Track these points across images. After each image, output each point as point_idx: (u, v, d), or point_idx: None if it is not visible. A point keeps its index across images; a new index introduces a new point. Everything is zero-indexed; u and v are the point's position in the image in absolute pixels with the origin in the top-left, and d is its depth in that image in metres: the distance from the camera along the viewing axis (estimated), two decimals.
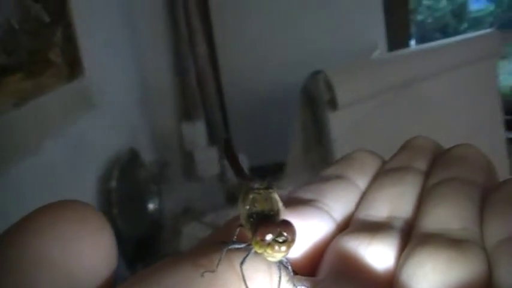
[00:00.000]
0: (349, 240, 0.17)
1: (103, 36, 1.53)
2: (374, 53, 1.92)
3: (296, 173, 1.30)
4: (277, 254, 0.15)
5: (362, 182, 0.21)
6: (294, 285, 0.16)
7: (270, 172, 0.94)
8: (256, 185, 0.17)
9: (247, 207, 0.16)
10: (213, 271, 0.14)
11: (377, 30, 2.00)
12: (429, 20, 2.96)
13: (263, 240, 0.15)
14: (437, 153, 0.22)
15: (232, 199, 1.75)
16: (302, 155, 1.31)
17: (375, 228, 0.18)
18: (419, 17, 2.97)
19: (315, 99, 1.27)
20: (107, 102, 1.43)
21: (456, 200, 0.18)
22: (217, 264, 0.15)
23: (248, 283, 0.15)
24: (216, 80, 1.98)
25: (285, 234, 0.15)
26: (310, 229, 0.18)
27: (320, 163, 1.27)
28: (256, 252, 0.15)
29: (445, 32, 2.95)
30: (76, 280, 0.13)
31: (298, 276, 0.16)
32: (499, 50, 1.72)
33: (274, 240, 0.15)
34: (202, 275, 0.14)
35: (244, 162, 1.73)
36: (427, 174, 0.20)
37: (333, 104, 1.23)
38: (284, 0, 1.96)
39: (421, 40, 2.87)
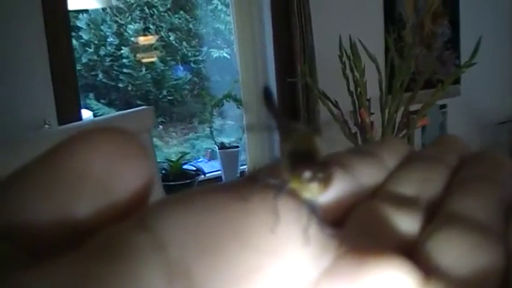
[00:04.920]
0: (375, 205, 0.18)
1: None
2: (42, 128, 1.92)
3: None
4: (314, 190, 0.15)
5: (391, 163, 0.21)
6: (322, 228, 0.15)
7: None
8: (299, 126, 0.17)
9: (288, 144, 0.16)
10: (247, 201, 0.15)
11: (46, 105, 2.00)
12: (130, 88, 3.09)
13: (302, 174, 0.15)
14: (468, 153, 0.22)
15: None
16: None
17: (401, 200, 0.18)
18: (121, 85, 3.08)
19: None
20: None
21: (485, 196, 0.18)
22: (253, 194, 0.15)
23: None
24: None
25: (324, 172, 0.15)
26: (336, 186, 0.17)
27: None
28: (291, 189, 0.15)
29: (146, 99, 3.11)
30: (116, 197, 0.13)
31: (325, 223, 0.16)
32: (152, 125, 1.87)
33: (313, 177, 0.15)
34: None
35: None
36: (456, 170, 0.20)
37: None
38: None
39: (124, 107, 2.97)
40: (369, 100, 1.88)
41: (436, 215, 0.18)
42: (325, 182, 0.15)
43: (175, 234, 0.13)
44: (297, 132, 0.17)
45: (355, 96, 1.85)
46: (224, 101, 2.05)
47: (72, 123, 1.89)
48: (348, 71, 1.82)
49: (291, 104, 2.09)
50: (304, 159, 0.16)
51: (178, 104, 3.17)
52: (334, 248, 0.15)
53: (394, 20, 2.46)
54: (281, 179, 0.16)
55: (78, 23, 3.01)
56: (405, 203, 0.18)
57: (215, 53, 3.13)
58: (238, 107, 2.08)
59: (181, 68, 3.15)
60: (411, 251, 0.16)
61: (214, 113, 2.08)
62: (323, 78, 2.10)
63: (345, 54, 1.82)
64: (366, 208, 0.18)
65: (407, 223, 0.17)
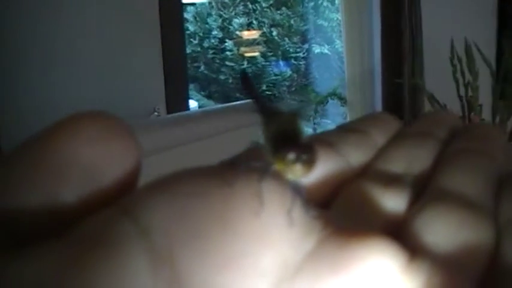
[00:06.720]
0: (363, 184, 0.18)
1: None
2: (151, 116, 2.00)
3: None
4: (298, 172, 0.15)
5: (381, 139, 0.20)
6: (306, 210, 0.15)
7: None
8: (282, 109, 0.17)
9: (272, 127, 0.16)
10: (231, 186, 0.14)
11: (157, 94, 2.08)
12: (230, 81, 3.15)
13: (285, 156, 0.15)
14: (459, 127, 0.22)
15: None
16: None
17: (389, 178, 0.18)
18: (222, 77, 3.16)
19: None
20: None
21: (474, 170, 0.18)
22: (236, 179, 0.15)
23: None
24: None
25: (308, 153, 0.15)
26: (323, 166, 0.18)
27: None
28: (275, 171, 0.15)
29: None
30: (103, 182, 0.13)
31: (309, 204, 0.16)
32: (255, 119, 1.90)
33: (297, 158, 0.15)
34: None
35: None
36: (446, 144, 0.20)
37: None
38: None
39: (224, 99, 3.04)
40: (480, 106, 1.81)
41: (424, 191, 0.17)
42: (309, 163, 0.15)
43: (159, 221, 0.13)
44: (280, 115, 0.17)
45: (464, 101, 1.79)
46: (329, 98, 2.05)
47: (180, 113, 1.96)
48: (458, 74, 1.77)
49: (395, 105, 2.06)
50: (287, 141, 0.15)
51: (276, 99, 3.20)
52: (318, 230, 0.15)
53: (508, 24, 2.36)
54: (264, 162, 0.15)
55: (186, 15, 3.11)
56: (393, 180, 0.18)
57: (316, 49, 3.13)
58: (342, 105, 2.08)
59: (282, 63, 3.17)
60: (398, 230, 0.16)
61: (318, 110, 2.09)
62: (429, 81, 2.05)
63: (456, 57, 1.76)
64: (353, 187, 0.18)
65: (394, 201, 0.17)
